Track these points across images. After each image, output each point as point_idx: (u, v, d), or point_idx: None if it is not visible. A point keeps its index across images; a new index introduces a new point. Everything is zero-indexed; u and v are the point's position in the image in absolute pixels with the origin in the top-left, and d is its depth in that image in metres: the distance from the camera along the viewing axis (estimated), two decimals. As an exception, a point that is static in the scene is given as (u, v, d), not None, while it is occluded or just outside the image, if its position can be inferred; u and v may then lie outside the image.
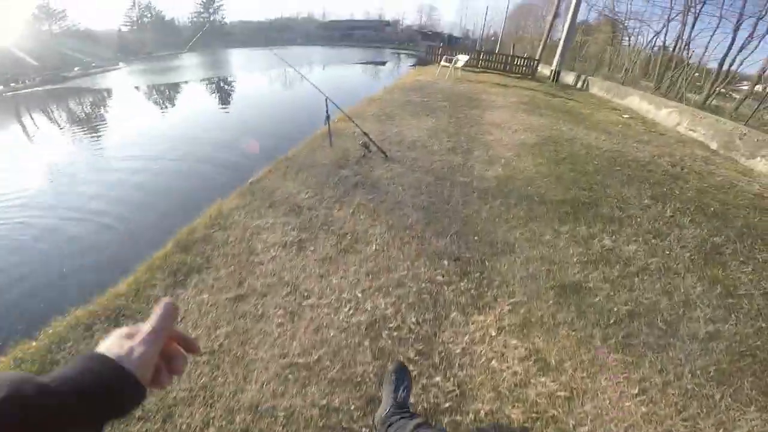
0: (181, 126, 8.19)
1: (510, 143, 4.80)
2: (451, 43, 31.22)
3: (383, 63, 30.13)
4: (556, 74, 14.64)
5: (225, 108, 10.66)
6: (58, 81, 18.03)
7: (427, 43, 21.87)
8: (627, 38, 23.75)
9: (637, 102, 9.58)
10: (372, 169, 3.70)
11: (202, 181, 4.86)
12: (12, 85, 15.69)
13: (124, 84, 17.61)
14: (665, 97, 12.24)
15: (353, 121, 4.08)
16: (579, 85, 15.04)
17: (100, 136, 7.78)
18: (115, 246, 3.50)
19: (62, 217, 4.13)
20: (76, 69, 22.92)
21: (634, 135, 5.98)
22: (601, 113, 7.85)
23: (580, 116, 7.15)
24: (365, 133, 3.96)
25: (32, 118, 10.34)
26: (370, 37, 66.32)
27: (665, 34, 20.40)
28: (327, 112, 4.07)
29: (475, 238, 2.71)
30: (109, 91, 14.57)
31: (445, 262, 2.41)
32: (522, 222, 2.92)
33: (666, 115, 7.85)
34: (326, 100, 4.00)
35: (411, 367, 1.66)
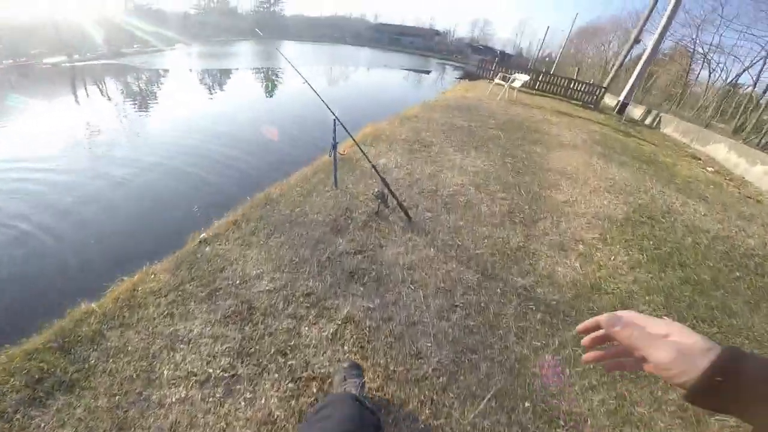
0: (194, 122, 7.15)
1: (589, 212, 3.39)
2: (503, 60, 29.88)
3: (427, 72, 29.01)
4: (623, 106, 12.84)
5: (247, 107, 9.65)
6: (116, 56, 17.86)
7: (479, 57, 20.33)
8: (708, 72, 21.18)
9: (724, 152, 7.84)
10: (384, 245, 2.42)
11: (153, 206, 3.63)
12: (75, 56, 15.83)
13: (175, 65, 17.15)
14: (758, 147, 10.26)
15: (368, 160, 2.81)
16: (649, 121, 13.15)
17: (113, 117, 6.89)
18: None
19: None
20: (135, 46, 22.94)
21: (731, 204, 4.53)
22: (683, 164, 6.28)
23: (664, 169, 5.62)
24: (382, 179, 2.68)
25: (77, 91, 9.69)
26: (418, 44, 65.33)
27: (759, 72, 17.87)
28: (334, 139, 2.83)
29: (527, 404, 1.40)
30: (154, 71, 14.02)
31: None
32: (609, 384, 1.59)
33: (763, 173, 6.19)
34: (334, 121, 2.76)
35: None
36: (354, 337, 1.73)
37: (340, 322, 1.79)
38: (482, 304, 2.03)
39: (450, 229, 2.72)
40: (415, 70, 27.08)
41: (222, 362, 1.57)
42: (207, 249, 2.20)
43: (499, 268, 2.37)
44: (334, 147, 2.90)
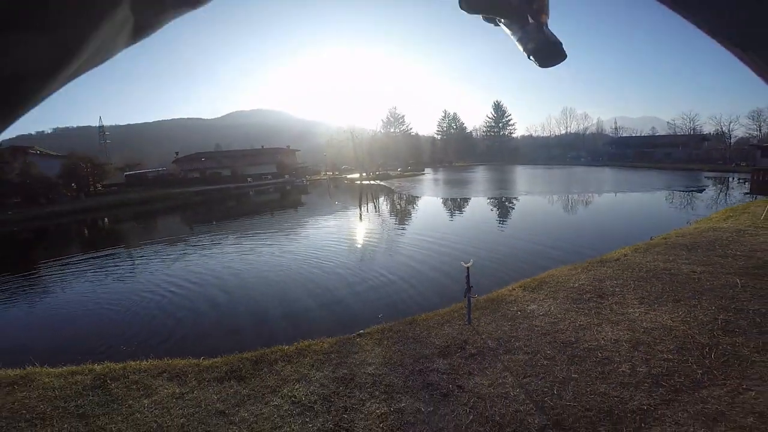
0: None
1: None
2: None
3: (701, 189, 22.41)
4: None
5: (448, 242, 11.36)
6: (385, 179, 26.75)
7: None
8: None
9: None
10: (474, 374, 2.80)
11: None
12: (363, 174, 25.67)
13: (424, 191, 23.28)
14: None
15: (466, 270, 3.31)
16: None
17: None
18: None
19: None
20: (398, 170, 33.60)
21: None
22: None
23: None
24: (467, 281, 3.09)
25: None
26: (677, 155, 51.60)
27: None
28: (467, 282, 3.61)
29: None
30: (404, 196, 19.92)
31: None
32: None
33: None
34: (468, 269, 3.59)
35: None
36: (382, 425, 2.30)
37: (395, 409, 2.42)
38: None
39: (556, 379, 2.68)
40: (681, 190, 21.78)
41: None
42: (357, 340, 3.44)
43: (582, 423, 2.19)
44: (469, 290, 3.63)
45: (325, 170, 55.80)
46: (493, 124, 76.25)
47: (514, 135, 78.41)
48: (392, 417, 2.40)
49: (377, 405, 2.53)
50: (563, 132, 79.37)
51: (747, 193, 14.46)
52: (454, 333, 3.49)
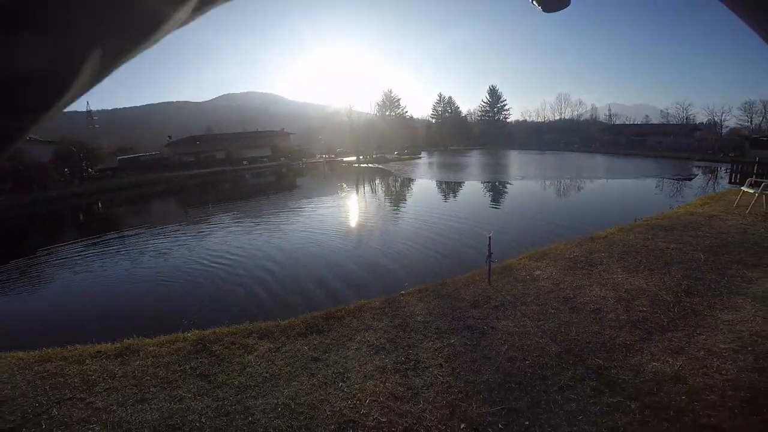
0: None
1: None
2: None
3: (689, 178, 23.52)
4: None
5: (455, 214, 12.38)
6: (383, 162, 28.10)
7: (761, 152, 15.59)
8: None
9: None
10: (500, 319, 3.75)
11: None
12: (360, 157, 27.29)
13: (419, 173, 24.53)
14: None
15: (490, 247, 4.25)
16: None
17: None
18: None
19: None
20: (395, 153, 35.05)
21: None
22: None
23: None
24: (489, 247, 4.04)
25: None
26: (668, 144, 52.82)
27: None
28: (489, 249, 4.52)
29: None
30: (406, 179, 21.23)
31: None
32: None
33: None
34: (489, 238, 4.51)
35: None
36: (441, 355, 3.22)
37: (447, 344, 3.34)
38: (548, 364, 2.99)
39: (562, 322, 3.64)
40: (669, 178, 23.12)
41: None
42: (401, 297, 4.35)
43: (585, 351, 3.14)
44: (489, 256, 4.56)
45: (320, 153, 56.05)
46: (488, 109, 76.14)
47: (508, 120, 78.70)
48: (447, 349, 3.31)
49: (432, 342, 3.44)
50: (557, 118, 79.89)
51: (730, 183, 15.72)
52: (478, 291, 4.44)
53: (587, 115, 79.82)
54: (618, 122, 75.02)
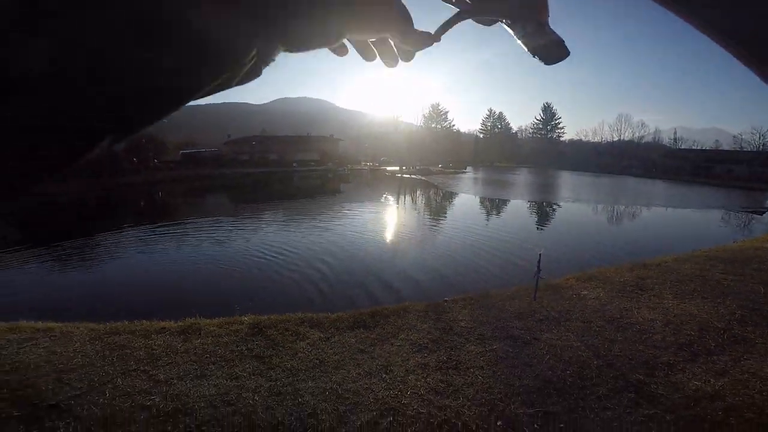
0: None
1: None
2: None
3: (761, 212, 21.07)
4: None
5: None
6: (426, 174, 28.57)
7: None
8: None
9: None
10: (545, 331, 3.93)
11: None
12: (403, 168, 28.12)
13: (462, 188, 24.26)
14: None
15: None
16: None
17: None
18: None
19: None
20: (439, 166, 35.11)
21: None
22: None
23: None
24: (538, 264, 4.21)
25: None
26: (740, 173, 47.39)
27: None
28: (538, 265, 4.71)
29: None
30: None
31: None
32: None
33: None
34: (539, 255, 4.70)
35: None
36: (483, 358, 3.47)
37: (489, 349, 3.59)
38: (589, 376, 3.16)
39: (606, 338, 3.75)
40: (741, 211, 21.02)
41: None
42: (445, 304, 4.66)
43: (627, 366, 3.27)
44: (538, 271, 4.73)
45: (365, 161, 57.53)
46: (541, 126, 74.03)
47: (562, 138, 75.45)
48: (489, 354, 3.57)
49: (474, 346, 3.71)
50: (616, 139, 75.55)
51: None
52: (523, 305, 4.63)
53: (649, 138, 74.76)
54: (683, 146, 69.67)
